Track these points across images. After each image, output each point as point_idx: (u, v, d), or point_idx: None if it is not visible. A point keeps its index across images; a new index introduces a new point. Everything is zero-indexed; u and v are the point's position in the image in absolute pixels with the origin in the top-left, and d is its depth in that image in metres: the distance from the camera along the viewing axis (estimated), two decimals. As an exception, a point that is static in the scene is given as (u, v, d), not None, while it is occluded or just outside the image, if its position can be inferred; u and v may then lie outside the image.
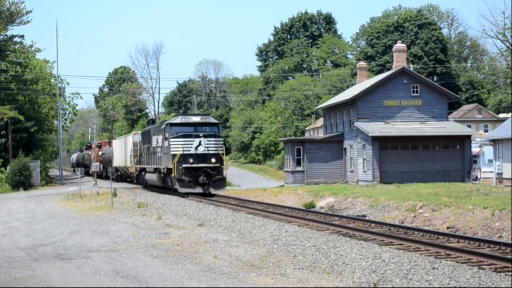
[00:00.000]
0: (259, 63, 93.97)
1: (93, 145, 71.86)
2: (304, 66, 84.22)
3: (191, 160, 31.12)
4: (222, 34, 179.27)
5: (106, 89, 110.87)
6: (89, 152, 71.77)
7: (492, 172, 41.10)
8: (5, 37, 53.43)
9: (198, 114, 45.29)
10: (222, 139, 33.93)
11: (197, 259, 13.26)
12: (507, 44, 71.55)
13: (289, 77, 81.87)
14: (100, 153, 61.72)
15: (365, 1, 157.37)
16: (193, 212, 23.45)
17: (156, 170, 35.85)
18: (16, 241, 17.10)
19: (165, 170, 33.53)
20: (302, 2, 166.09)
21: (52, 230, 19.09)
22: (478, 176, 44.27)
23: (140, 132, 45.85)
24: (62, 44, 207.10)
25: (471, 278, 10.59)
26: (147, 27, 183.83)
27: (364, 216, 23.19)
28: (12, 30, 56.02)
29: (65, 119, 74.50)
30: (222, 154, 32.39)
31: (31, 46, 55.79)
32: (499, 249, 13.74)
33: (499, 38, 72.16)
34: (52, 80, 65.84)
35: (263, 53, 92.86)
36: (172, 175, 31.59)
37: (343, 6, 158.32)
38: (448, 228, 18.86)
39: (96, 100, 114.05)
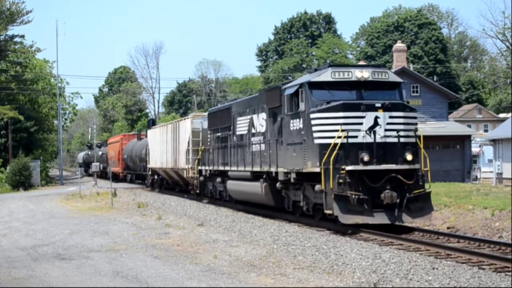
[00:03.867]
0: (259, 63, 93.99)
1: (111, 140, 60.37)
2: (304, 66, 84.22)
3: (365, 158, 16.04)
4: (222, 34, 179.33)
5: (106, 89, 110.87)
6: (99, 151, 63.31)
7: (492, 172, 41.12)
8: (6, 37, 53.43)
9: (366, 65, 23.19)
10: (414, 112, 17.54)
11: (197, 259, 13.26)
12: (507, 44, 71.54)
13: (289, 77, 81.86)
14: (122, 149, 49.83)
15: (365, 1, 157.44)
16: (193, 212, 23.46)
17: (257, 177, 20.93)
18: (16, 241, 17.11)
19: (292, 176, 18.17)
20: (302, 2, 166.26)
21: (52, 230, 19.09)
22: (478, 176, 44.30)
23: (204, 114, 31.27)
24: (62, 44, 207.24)
25: (471, 278, 10.59)
26: (147, 27, 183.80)
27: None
28: (13, 30, 55.98)
29: (65, 119, 74.57)
30: (418, 143, 17.07)
31: (31, 46, 55.83)
32: (499, 249, 13.74)
33: (499, 38, 72.15)
34: (52, 80, 65.88)
35: (263, 53, 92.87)
36: (320, 187, 16.31)
37: (343, 6, 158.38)
38: (448, 228, 18.85)
39: (96, 100, 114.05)
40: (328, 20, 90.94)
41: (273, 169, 19.52)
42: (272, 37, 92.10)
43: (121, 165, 50.31)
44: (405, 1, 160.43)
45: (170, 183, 36.32)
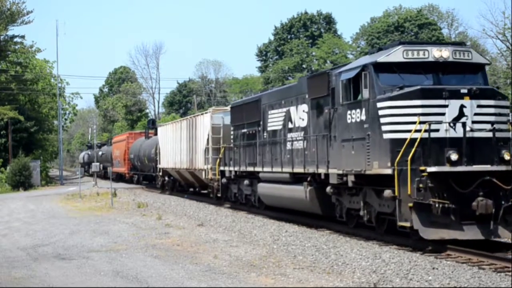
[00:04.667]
0: (259, 63, 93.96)
1: (116, 138, 56.96)
2: (304, 66, 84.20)
3: (453, 157, 13.18)
4: (222, 34, 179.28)
5: (106, 89, 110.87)
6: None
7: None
8: (6, 37, 53.46)
9: (444, 43, 21.04)
10: (506, 101, 14.64)
11: (197, 259, 13.26)
12: (507, 44, 71.55)
13: (289, 77, 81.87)
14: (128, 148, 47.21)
15: (365, 1, 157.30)
16: (193, 212, 23.46)
17: (298, 179, 18.22)
18: (16, 241, 17.11)
19: (350, 178, 15.12)
20: (302, 2, 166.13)
21: (52, 230, 19.10)
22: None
23: (225, 108, 28.43)
24: (62, 44, 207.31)
25: (471, 278, 10.59)
26: (147, 27, 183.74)
27: None
28: (13, 30, 56.09)
29: (65, 119, 74.56)
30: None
31: (31, 46, 55.88)
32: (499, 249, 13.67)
33: (499, 38, 72.11)
34: (52, 80, 65.89)
35: (263, 53, 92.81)
36: (391, 193, 13.43)
37: (343, 6, 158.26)
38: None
39: (96, 100, 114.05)
40: (328, 20, 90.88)
41: (321, 171, 16.45)
42: (272, 37, 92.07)
43: (127, 165, 47.64)
44: (405, 1, 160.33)
45: (183, 185, 33.87)
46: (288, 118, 19.08)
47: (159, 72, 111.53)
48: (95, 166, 44.33)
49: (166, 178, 35.65)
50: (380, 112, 13.79)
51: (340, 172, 15.45)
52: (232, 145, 24.17)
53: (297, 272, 11.62)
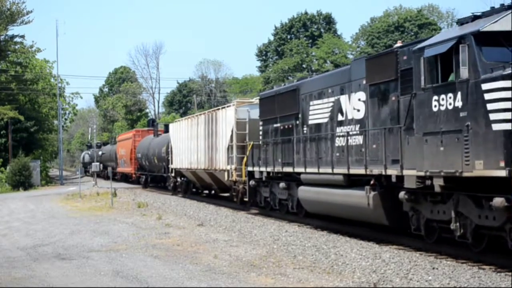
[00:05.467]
0: (259, 63, 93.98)
1: (121, 136, 53.66)
2: (304, 66, 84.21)
3: None
4: (222, 34, 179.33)
5: (106, 89, 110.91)
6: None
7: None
8: (6, 37, 53.50)
9: None
10: None
11: (197, 259, 13.26)
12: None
13: (289, 77, 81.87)
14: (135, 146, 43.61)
15: (365, 1, 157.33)
16: (193, 212, 23.46)
17: (354, 182, 15.51)
18: (16, 241, 17.11)
19: (437, 182, 12.14)
20: (302, 2, 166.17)
21: (52, 230, 19.10)
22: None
23: (250, 101, 25.80)
24: (62, 44, 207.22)
25: (471, 278, 10.59)
26: (147, 27, 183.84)
27: None
28: (13, 30, 56.13)
29: (65, 119, 74.58)
30: None
31: (31, 46, 55.94)
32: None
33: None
34: (52, 80, 65.93)
35: (263, 53, 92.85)
36: (503, 202, 10.49)
37: (343, 6, 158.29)
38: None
39: (96, 100, 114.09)
40: (328, 20, 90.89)
41: (392, 172, 13.48)
42: (272, 37, 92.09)
43: (134, 165, 44.38)
44: (405, 1, 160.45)
45: (198, 187, 31.32)
46: (337, 109, 16.24)
47: (159, 72, 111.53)
48: (95, 166, 44.32)
49: (179, 179, 33.05)
50: (487, 96, 10.82)
51: (421, 173, 12.42)
52: (260, 142, 21.44)
53: (297, 272, 11.62)
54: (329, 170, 16.32)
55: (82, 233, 18.15)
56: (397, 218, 14.05)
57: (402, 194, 13.25)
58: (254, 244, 15.23)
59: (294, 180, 19.00)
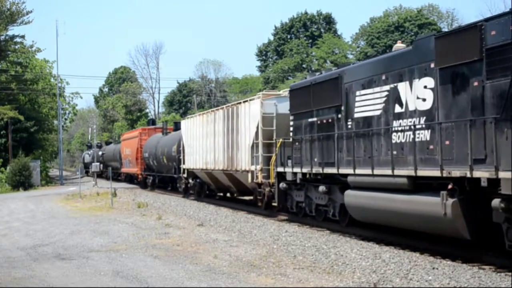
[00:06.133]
0: (259, 63, 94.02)
1: (125, 135, 50.56)
2: (304, 66, 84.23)
3: None
4: (222, 34, 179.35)
5: (106, 89, 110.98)
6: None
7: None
8: (6, 37, 53.54)
9: None
10: None
11: (197, 259, 13.26)
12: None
13: (289, 77, 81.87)
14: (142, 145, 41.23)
15: (365, 1, 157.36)
16: (193, 212, 23.45)
17: (420, 186, 13.07)
18: (16, 241, 17.11)
19: None
20: (302, 2, 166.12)
21: (52, 230, 19.10)
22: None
23: (277, 93, 23.00)
24: (62, 44, 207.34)
25: (471, 278, 10.59)
26: (147, 27, 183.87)
27: None
28: (13, 30, 56.35)
29: (65, 119, 74.62)
30: None
31: (31, 46, 56.00)
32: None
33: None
34: (52, 80, 65.97)
35: (263, 53, 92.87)
36: None
37: (343, 6, 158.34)
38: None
39: (96, 100, 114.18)
40: (328, 20, 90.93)
41: (482, 174, 11.06)
42: (272, 37, 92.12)
43: (140, 165, 41.89)
44: (405, 1, 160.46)
45: (213, 189, 29.07)
46: (394, 99, 13.97)
47: (159, 72, 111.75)
48: (95, 166, 44.30)
49: (191, 181, 30.57)
50: None
51: None
52: (291, 139, 19.13)
53: (297, 272, 11.62)
54: (387, 172, 13.74)
55: (82, 233, 18.15)
56: (482, 231, 11.76)
57: (496, 202, 10.72)
58: (254, 244, 15.23)
59: (336, 182, 16.53)
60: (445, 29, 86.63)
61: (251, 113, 22.15)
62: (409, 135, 13.41)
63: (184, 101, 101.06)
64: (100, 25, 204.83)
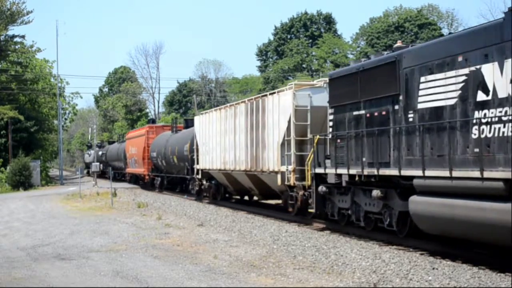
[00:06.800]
0: (259, 63, 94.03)
1: (131, 134, 48.03)
2: (304, 66, 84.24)
3: None
4: (222, 33, 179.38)
5: (106, 89, 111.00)
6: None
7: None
8: (6, 37, 53.56)
9: None
10: None
11: (197, 259, 13.26)
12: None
13: (289, 77, 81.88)
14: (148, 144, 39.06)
15: (365, 1, 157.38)
16: (193, 212, 23.45)
17: None
18: (16, 241, 17.11)
19: None
20: (302, 2, 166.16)
21: (52, 230, 19.09)
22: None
23: (312, 84, 20.17)
24: (62, 44, 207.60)
25: (471, 278, 10.59)
26: (147, 27, 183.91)
27: None
28: (13, 30, 56.43)
29: (65, 119, 74.64)
30: None
31: (31, 46, 56.04)
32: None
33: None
34: (52, 80, 65.99)
35: (263, 53, 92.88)
36: None
37: (343, 6, 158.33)
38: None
39: (96, 100, 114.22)
40: (328, 20, 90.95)
41: None
42: (272, 37, 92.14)
43: (147, 165, 39.65)
44: (405, 1, 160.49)
45: (231, 192, 26.81)
46: (475, 84, 11.52)
47: (159, 72, 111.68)
48: (95, 166, 44.28)
49: (205, 182, 28.19)
50: None
51: None
52: (330, 135, 16.76)
53: (297, 272, 11.62)
54: (472, 174, 11.19)
55: (82, 233, 18.14)
56: None
57: None
58: (254, 244, 15.22)
59: (392, 186, 14.10)
60: (445, 30, 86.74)
61: (281, 106, 19.72)
62: (499, 128, 10.85)
63: (184, 101, 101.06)
64: (100, 25, 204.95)
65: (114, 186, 32.29)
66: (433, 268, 11.41)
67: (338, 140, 16.21)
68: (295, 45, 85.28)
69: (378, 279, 10.85)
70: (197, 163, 28.39)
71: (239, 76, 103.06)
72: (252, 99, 22.82)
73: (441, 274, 10.97)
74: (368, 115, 14.93)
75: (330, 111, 16.79)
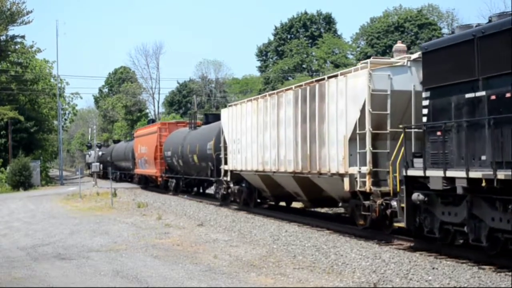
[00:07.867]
0: (259, 63, 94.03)
1: (140, 131, 43.68)
2: (304, 66, 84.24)
3: None
4: (222, 34, 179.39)
5: (106, 90, 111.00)
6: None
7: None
8: (6, 37, 53.57)
9: None
10: None
11: (197, 259, 13.26)
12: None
13: (289, 78, 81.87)
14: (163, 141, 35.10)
15: (365, 1, 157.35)
16: (193, 212, 23.44)
17: None
18: (16, 241, 17.10)
19: None
20: (302, 2, 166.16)
21: (52, 230, 19.10)
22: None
23: (392, 62, 15.44)
24: (62, 44, 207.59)
25: (471, 278, 10.58)
26: (147, 27, 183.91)
27: None
28: (13, 31, 56.44)
29: (65, 119, 74.68)
30: None
31: (31, 47, 56.05)
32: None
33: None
34: (52, 80, 66.02)
35: (263, 53, 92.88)
36: None
37: (343, 6, 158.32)
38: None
39: (96, 100, 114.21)
40: (328, 20, 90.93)
41: None
42: (272, 37, 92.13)
43: (159, 166, 35.68)
44: (405, 1, 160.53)
45: (267, 197, 22.92)
46: None
47: (159, 72, 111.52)
48: (95, 166, 44.25)
49: (232, 186, 24.43)
50: None
51: None
52: (423, 127, 12.83)
53: (297, 272, 11.61)
54: None
55: (82, 233, 18.14)
56: None
57: None
58: (254, 244, 15.22)
59: None
60: (445, 30, 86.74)
61: (349, 91, 15.54)
62: None
63: (184, 101, 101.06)
64: (100, 25, 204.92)
65: (114, 186, 32.27)
66: (433, 268, 11.41)
67: (437, 133, 12.32)
68: (295, 45, 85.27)
69: (378, 279, 10.85)
70: (225, 163, 24.61)
71: (239, 77, 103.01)
72: (302, 85, 18.66)
73: (441, 274, 10.97)
74: (492, 97, 10.94)
75: (424, 95, 12.82)
